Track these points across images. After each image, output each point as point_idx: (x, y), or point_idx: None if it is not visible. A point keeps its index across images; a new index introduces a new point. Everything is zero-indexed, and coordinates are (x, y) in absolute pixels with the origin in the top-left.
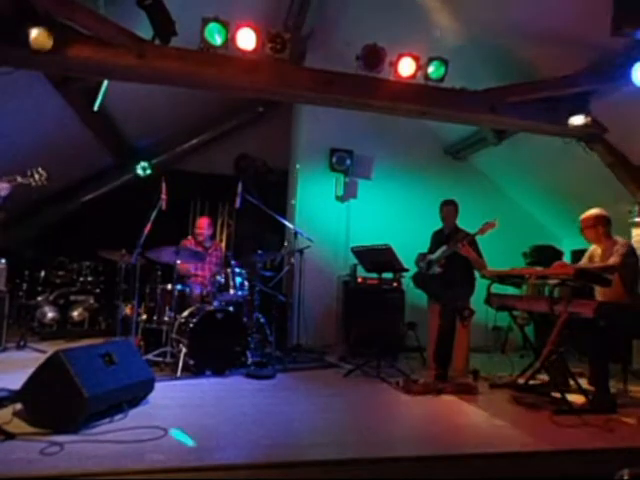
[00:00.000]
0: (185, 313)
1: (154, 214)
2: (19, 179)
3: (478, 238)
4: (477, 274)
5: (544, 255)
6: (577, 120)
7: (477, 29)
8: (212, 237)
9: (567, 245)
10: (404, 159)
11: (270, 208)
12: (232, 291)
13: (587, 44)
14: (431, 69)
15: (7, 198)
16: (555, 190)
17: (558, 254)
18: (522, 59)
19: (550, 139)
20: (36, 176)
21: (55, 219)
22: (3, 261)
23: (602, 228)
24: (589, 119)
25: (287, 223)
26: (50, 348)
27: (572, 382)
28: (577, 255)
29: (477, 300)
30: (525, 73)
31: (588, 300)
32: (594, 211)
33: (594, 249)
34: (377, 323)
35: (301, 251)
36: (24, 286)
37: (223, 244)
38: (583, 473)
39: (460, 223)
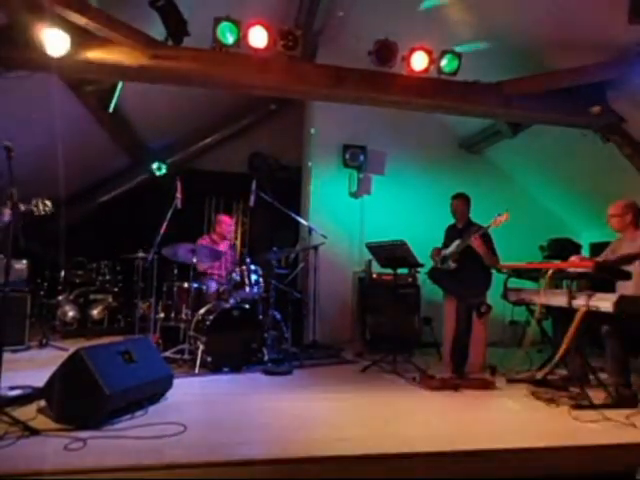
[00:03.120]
0: (202, 310)
1: (170, 213)
2: (22, 207)
3: (493, 233)
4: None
5: (562, 248)
6: (594, 111)
7: (491, 21)
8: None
9: (585, 238)
10: (418, 154)
11: (284, 205)
12: (248, 288)
13: (603, 33)
14: (444, 62)
15: (11, 223)
16: (572, 182)
17: (576, 247)
18: (536, 50)
19: (566, 131)
20: (40, 206)
21: (73, 220)
22: (24, 262)
23: (631, 217)
24: (606, 110)
25: (301, 220)
26: (71, 346)
27: (592, 376)
28: (596, 248)
29: (494, 295)
30: (540, 64)
31: (608, 294)
32: (625, 199)
33: (617, 242)
34: (393, 319)
35: (316, 248)
36: (45, 286)
37: (238, 242)
38: (604, 469)
39: (476, 217)
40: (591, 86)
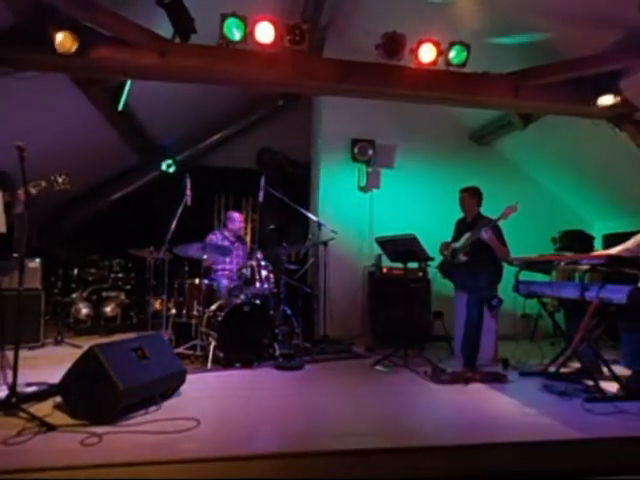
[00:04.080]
0: (213, 307)
1: (180, 210)
2: (43, 184)
3: (503, 225)
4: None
5: (574, 240)
6: (606, 100)
7: (500, 10)
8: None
9: (598, 230)
10: (427, 147)
11: (293, 201)
12: (258, 284)
13: (614, 21)
14: (452, 54)
15: (28, 203)
16: (584, 173)
17: (589, 239)
18: (547, 40)
19: (578, 121)
20: (59, 179)
21: (86, 218)
22: (38, 260)
23: None
24: (618, 99)
25: (311, 215)
26: (85, 343)
27: (605, 369)
28: (609, 239)
29: (505, 287)
30: (550, 54)
31: (621, 285)
32: None
33: None
34: (403, 313)
35: (325, 243)
36: (59, 284)
37: (248, 238)
38: (617, 462)
39: (487, 210)
40: (603, 75)
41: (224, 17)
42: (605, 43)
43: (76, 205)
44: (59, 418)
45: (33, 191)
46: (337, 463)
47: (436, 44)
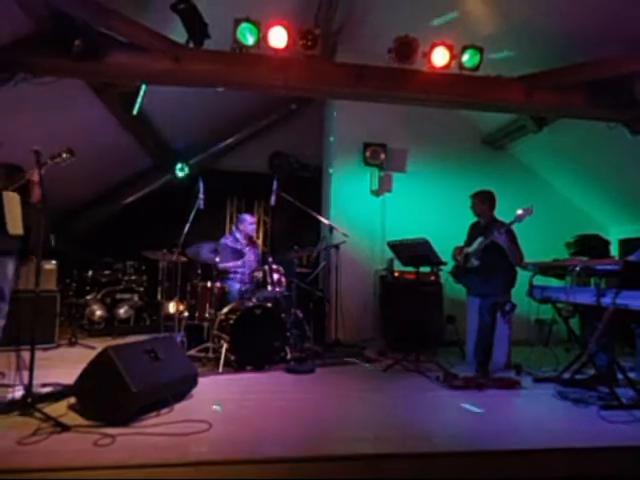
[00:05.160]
0: (225, 310)
1: (193, 213)
2: (49, 162)
3: (518, 230)
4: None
5: (589, 245)
6: (621, 103)
7: (513, 14)
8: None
9: (614, 234)
10: (440, 151)
11: (304, 204)
12: (270, 287)
13: (630, 21)
14: (465, 57)
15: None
16: (600, 177)
17: (604, 244)
18: (560, 42)
19: (593, 124)
20: (64, 155)
21: (100, 221)
22: (53, 262)
23: None
24: (634, 101)
25: (322, 219)
26: (99, 344)
27: (621, 376)
28: (625, 244)
29: (519, 292)
30: (564, 57)
31: (638, 291)
32: None
33: None
34: (415, 317)
35: (337, 246)
36: (73, 286)
37: (260, 241)
38: (634, 470)
39: (500, 214)
40: (618, 78)
41: (237, 22)
42: (620, 46)
43: (90, 208)
44: (73, 418)
45: (42, 171)
46: (348, 468)
47: (449, 47)
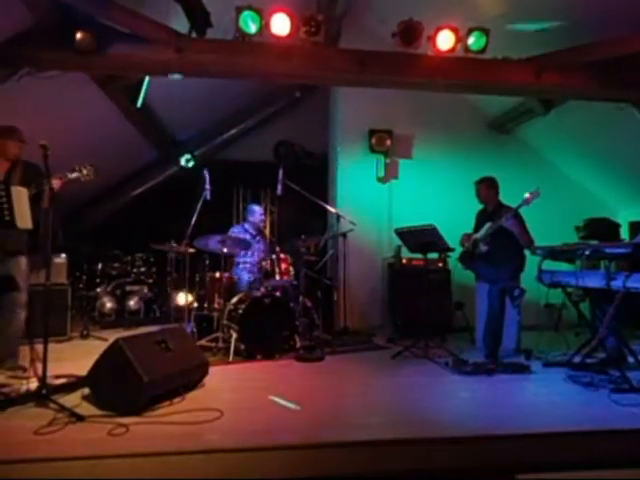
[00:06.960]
0: (234, 300)
1: (200, 204)
2: (69, 175)
3: (526, 213)
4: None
5: (599, 228)
6: (631, 83)
7: None
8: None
9: (624, 217)
10: (446, 136)
11: (311, 193)
12: (278, 277)
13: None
14: (471, 40)
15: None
16: (609, 159)
17: (614, 227)
18: (568, 22)
19: (602, 105)
20: (84, 171)
21: (108, 214)
22: (63, 256)
23: None
24: None
25: (329, 207)
26: (110, 336)
27: (631, 359)
28: (636, 227)
29: (528, 277)
30: (572, 37)
31: None
32: None
33: None
34: (424, 304)
35: (344, 234)
36: (84, 279)
37: (267, 231)
38: None
39: (508, 199)
40: (628, 57)
41: (240, 10)
42: (629, 26)
43: (99, 201)
44: (87, 409)
45: (58, 182)
46: (358, 453)
47: (454, 30)
